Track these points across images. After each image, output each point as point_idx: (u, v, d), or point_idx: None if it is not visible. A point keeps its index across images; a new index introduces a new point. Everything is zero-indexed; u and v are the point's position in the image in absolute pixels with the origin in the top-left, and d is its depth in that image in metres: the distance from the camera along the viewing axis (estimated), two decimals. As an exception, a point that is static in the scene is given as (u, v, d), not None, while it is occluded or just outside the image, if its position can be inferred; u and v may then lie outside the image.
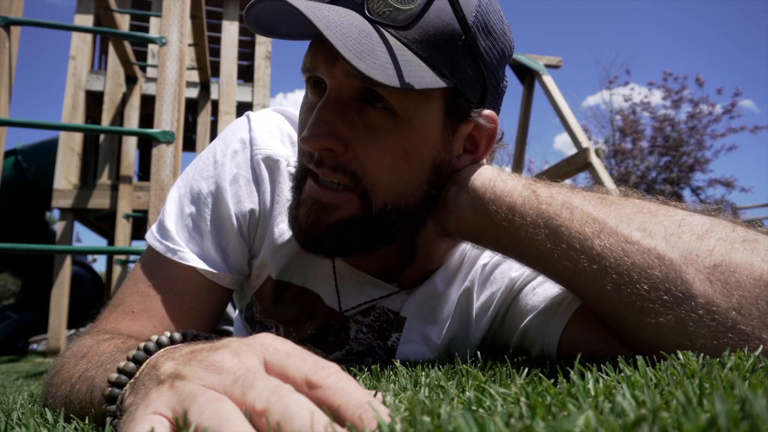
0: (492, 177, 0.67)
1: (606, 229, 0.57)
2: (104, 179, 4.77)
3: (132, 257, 4.39)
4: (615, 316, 0.57)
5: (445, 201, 0.69)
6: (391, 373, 0.61)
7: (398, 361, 0.69)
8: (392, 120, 0.63)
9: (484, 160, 0.72)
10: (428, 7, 0.59)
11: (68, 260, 4.31)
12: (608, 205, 0.59)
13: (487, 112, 0.69)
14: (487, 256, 0.81)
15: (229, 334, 1.39)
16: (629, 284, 0.54)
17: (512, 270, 0.79)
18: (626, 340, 0.58)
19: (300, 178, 0.70)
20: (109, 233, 5.97)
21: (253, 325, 0.89)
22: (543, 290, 0.74)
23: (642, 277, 0.53)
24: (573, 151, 5.08)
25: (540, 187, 0.64)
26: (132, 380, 0.41)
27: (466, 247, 0.81)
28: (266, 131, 0.79)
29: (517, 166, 6.15)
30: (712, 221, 0.56)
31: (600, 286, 0.56)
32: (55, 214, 5.22)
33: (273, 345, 0.37)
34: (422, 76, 0.59)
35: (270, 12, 0.61)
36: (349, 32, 0.56)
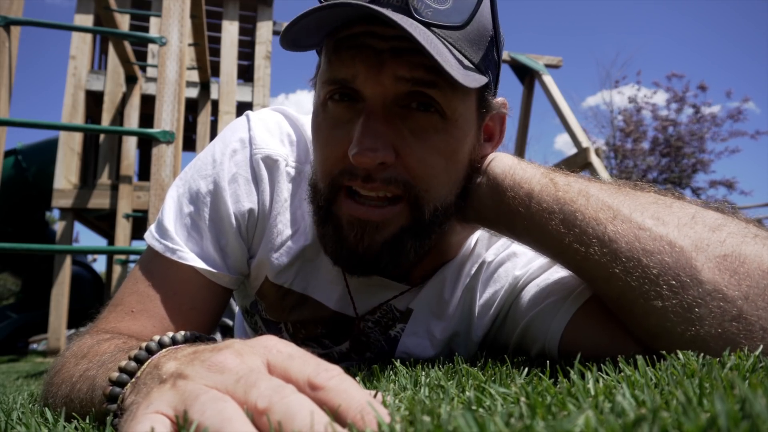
0: (512, 164, 0.68)
1: (620, 215, 0.58)
2: (104, 179, 4.77)
3: (132, 257, 4.39)
4: (622, 300, 0.57)
5: (467, 189, 0.70)
6: (391, 372, 0.61)
7: (398, 360, 0.69)
8: (441, 122, 0.62)
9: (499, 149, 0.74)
10: (477, 9, 0.60)
11: (68, 260, 4.31)
12: (624, 195, 0.61)
13: (500, 99, 0.71)
14: (492, 254, 0.81)
15: (230, 327, 1.39)
16: (638, 268, 0.55)
17: (516, 268, 0.79)
18: (631, 326, 0.59)
19: (330, 198, 0.66)
20: (109, 233, 5.97)
21: (264, 322, 0.89)
22: (546, 288, 0.74)
23: (651, 262, 0.54)
24: (573, 151, 5.08)
25: (558, 175, 0.65)
26: (133, 379, 0.41)
27: (470, 244, 0.82)
28: (266, 131, 0.79)
29: (517, 166, 6.14)
30: (724, 217, 0.57)
31: (610, 269, 0.57)
32: (55, 214, 5.22)
33: (276, 347, 0.37)
34: (473, 74, 0.61)
35: (306, 21, 0.59)
36: (422, 36, 0.56)
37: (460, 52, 0.61)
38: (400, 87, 0.60)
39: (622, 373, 0.43)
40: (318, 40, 0.64)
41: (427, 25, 0.59)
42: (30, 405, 0.68)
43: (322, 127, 0.66)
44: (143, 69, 5.09)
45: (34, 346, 7.26)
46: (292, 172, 0.78)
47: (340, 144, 0.63)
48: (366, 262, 0.66)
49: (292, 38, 0.61)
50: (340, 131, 0.63)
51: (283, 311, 0.84)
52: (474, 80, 0.60)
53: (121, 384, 0.42)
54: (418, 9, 0.59)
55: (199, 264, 0.72)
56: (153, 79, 4.92)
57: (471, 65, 0.62)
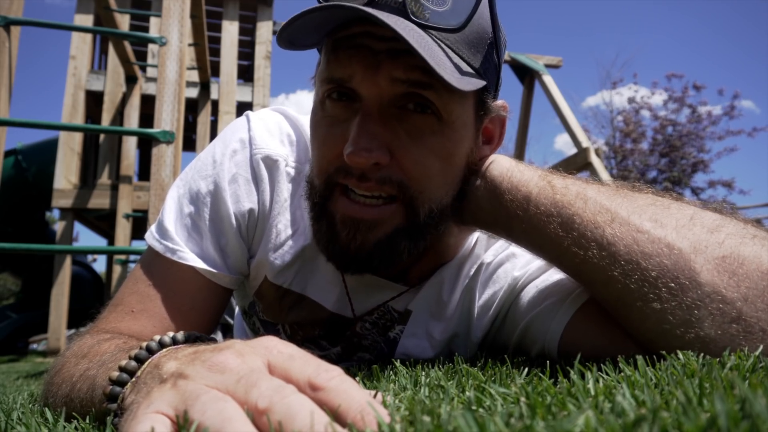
0: (509, 167, 0.68)
1: (618, 218, 0.58)
2: (104, 179, 4.77)
3: (132, 257, 4.39)
4: (620, 303, 0.57)
5: (464, 191, 0.70)
6: (391, 373, 0.61)
7: (398, 360, 0.69)
8: (437, 124, 0.62)
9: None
10: (475, 12, 0.60)
11: (68, 260, 4.31)
12: (622, 197, 0.61)
13: (500, 102, 0.71)
14: (491, 255, 0.81)
15: (231, 326, 1.39)
16: (637, 271, 0.55)
17: (515, 269, 0.79)
18: (630, 329, 0.59)
19: (325, 195, 0.66)
20: (109, 233, 5.97)
21: (262, 323, 0.89)
22: (545, 289, 0.74)
23: (650, 265, 0.54)
24: (573, 151, 5.08)
25: (555, 178, 0.65)
26: (133, 379, 0.41)
27: (469, 245, 0.82)
28: (265, 131, 0.79)
29: (517, 166, 6.15)
30: (723, 218, 0.57)
31: (608, 272, 0.57)
32: (55, 214, 5.21)
33: (277, 348, 0.37)
34: (469, 77, 0.60)
35: (302, 22, 0.59)
36: (415, 38, 0.55)
37: (457, 55, 0.61)
38: (396, 88, 0.60)
39: (622, 373, 0.43)
40: (317, 39, 0.64)
41: (424, 27, 0.59)
42: (30, 405, 0.68)
43: (320, 125, 0.66)
44: (143, 69, 5.09)
45: (34, 346, 7.26)
46: (292, 172, 0.78)
47: (336, 142, 0.63)
48: (358, 260, 0.66)
49: (288, 38, 0.61)
50: (336, 130, 0.64)
51: (281, 312, 0.84)
52: (469, 83, 0.59)
53: (122, 383, 0.42)
54: (415, 11, 0.58)
55: (199, 264, 0.72)
56: (153, 79, 4.91)
57: (468, 68, 0.62)
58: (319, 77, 0.65)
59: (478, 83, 0.61)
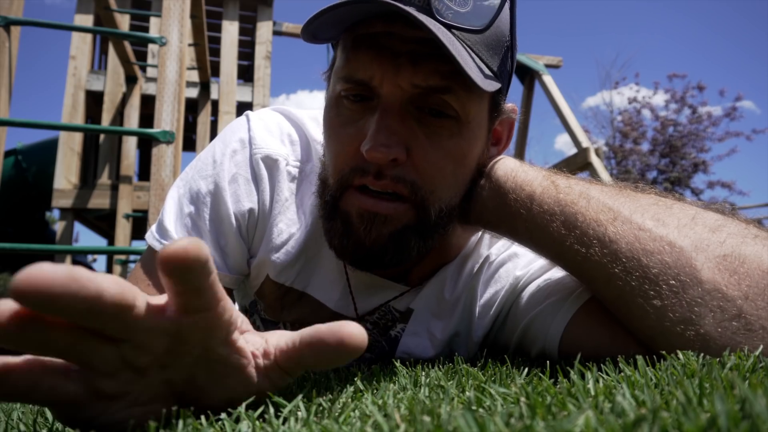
0: (514, 167, 0.69)
1: (620, 217, 0.58)
2: (104, 179, 4.77)
3: (132, 257, 4.39)
4: (621, 300, 0.58)
5: (471, 191, 0.71)
6: (391, 373, 0.61)
7: (398, 360, 0.69)
8: (455, 126, 0.63)
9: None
10: (498, 16, 0.60)
11: (68, 260, 4.31)
12: (624, 197, 0.61)
13: (510, 105, 0.71)
14: (493, 254, 0.81)
15: None
16: (638, 268, 0.55)
17: (517, 269, 0.79)
18: (630, 326, 0.59)
19: (338, 195, 0.66)
20: (109, 233, 5.97)
21: (263, 322, 0.89)
22: (547, 287, 0.74)
23: (651, 262, 0.54)
24: (573, 151, 5.08)
25: (559, 178, 0.66)
26: None
27: (471, 245, 0.82)
28: (265, 130, 0.79)
29: (517, 166, 6.15)
30: (724, 218, 0.58)
31: (610, 270, 0.57)
32: (55, 214, 5.22)
33: None
34: (489, 78, 0.61)
35: (330, 15, 0.59)
36: (446, 38, 0.55)
37: (477, 56, 0.61)
38: (415, 91, 0.61)
39: (622, 373, 0.43)
40: (335, 33, 0.64)
41: (448, 27, 0.59)
42: (30, 405, 0.67)
43: (334, 123, 0.66)
44: (143, 69, 5.09)
45: (34, 346, 7.25)
46: (293, 171, 0.78)
47: (352, 141, 0.63)
48: (372, 254, 0.65)
49: (312, 31, 0.61)
50: (351, 128, 0.64)
51: (282, 310, 0.84)
52: (490, 84, 0.60)
53: None
54: (439, 10, 0.58)
55: (199, 264, 0.72)
56: (153, 79, 4.91)
57: (487, 69, 0.62)
58: (337, 74, 0.65)
59: (497, 85, 0.62)
